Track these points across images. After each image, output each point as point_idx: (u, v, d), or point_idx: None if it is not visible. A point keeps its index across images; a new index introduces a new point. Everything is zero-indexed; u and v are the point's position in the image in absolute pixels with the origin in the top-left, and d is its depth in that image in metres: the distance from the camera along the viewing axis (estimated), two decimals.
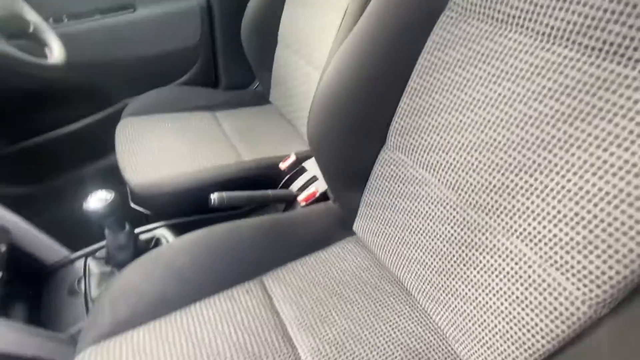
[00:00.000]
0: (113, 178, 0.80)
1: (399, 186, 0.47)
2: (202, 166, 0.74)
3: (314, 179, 0.71)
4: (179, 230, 0.73)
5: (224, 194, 0.61)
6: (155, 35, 1.03)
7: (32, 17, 0.63)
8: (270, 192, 0.67)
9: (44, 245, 0.60)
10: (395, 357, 0.43)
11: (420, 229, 0.45)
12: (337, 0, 0.75)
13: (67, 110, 0.91)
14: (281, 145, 0.86)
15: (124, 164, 0.74)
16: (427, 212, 0.43)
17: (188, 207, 0.70)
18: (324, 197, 0.68)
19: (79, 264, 0.62)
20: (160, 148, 0.79)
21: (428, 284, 0.46)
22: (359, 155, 0.50)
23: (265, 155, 0.80)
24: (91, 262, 0.62)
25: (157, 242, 0.67)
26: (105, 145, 0.79)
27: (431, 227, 0.43)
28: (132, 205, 0.73)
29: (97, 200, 0.53)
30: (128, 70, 1.00)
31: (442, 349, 0.44)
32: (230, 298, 0.48)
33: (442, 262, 0.43)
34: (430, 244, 0.44)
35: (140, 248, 0.61)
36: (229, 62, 1.16)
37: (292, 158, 0.75)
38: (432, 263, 0.44)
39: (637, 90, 0.25)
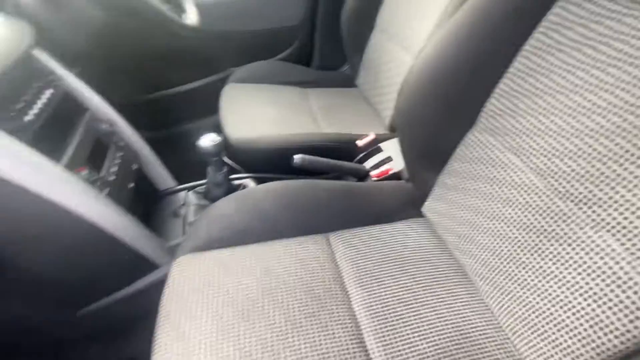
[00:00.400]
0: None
1: (481, 169, 0.46)
2: (289, 132, 0.81)
3: (388, 159, 0.73)
4: (262, 183, 0.82)
5: (306, 156, 0.67)
6: (264, 13, 1.14)
7: None
8: (346, 163, 0.72)
9: (160, 175, 0.74)
10: (444, 333, 0.44)
11: (497, 214, 0.44)
12: None
13: (188, 71, 1.08)
14: (361, 125, 0.90)
15: (225, 121, 0.86)
16: (507, 197, 0.43)
17: (273, 165, 0.78)
18: (395, 177, 0.70)
19: (183, 194, 0.75)
20: (256, 112, 0.89)
21: (493, 272, 0.45)
22: (445, 135, 0.51)
23: (345, 131, 0.85)
24: (192, 194, 0.74)
25: (244, 189, 0.78)
26: (213, 105, 0.92)
27: (509, 214, 0.43)
28: (225, 159, 0.85)
29: (209, 140, 0.64)
30: (239, 43, 1.13)
31: (496, 339, 0.44)
32: (300, 244, 0.54)
33: (515, 251, 0.42)
34: (505, 230, 0.43)
35: (232, 189, 0.72)
36: (324, 44, 1.23)
37: (371, 136, 0.78)
38: (502, 250, 0.44)
39: None
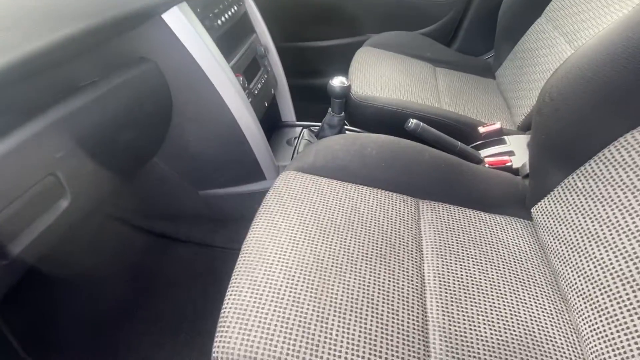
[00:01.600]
0: None
1: (629, 176, 0.40)
2: (409, 99, 0.81)
3: (509, 153, 0.68)
4: None
5: (421, 123, 0.67)
6: None
7: None
8: (459, 144, 0.69)
9: (287, 108, 0.84)
10: (510, 327, 0.42)
11: (627, 230, 0.38)
12: None
13: (333, 29, 1.16)
14: (486, 114, 0.84)
15: (352, 77, 0.90)
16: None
17: (387, 127, 0.80)
18: (511, 171, 0.64)
19: (299, 129, 0.84)
20: (382, 76, 0.91)
21: (596, 288, 0.40)
22: (595, 133, 0.45)
23: (468, 114, 0.80)
24: (306, 131, 0.83)
25: None
26: (347, 63, 0.97)
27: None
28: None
29: (338, 81, 0.69)
30: (384, 10, 1.15)
31: (566, 353, 0.39)
32: (389, 197, 0.56)
33: (629, 273, 0.36)
34: (627, 248, 0.37)
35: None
36: (472, 27, 1.15)
37: (497, 126, 0.73)
38: (616, 269, 0.38)
39: None
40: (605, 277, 0.40)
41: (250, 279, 0.42)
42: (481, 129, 0.74)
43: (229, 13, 0.65)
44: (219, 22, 0.61)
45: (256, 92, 0.70)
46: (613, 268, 0.39)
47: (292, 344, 0.37)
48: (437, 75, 1.01)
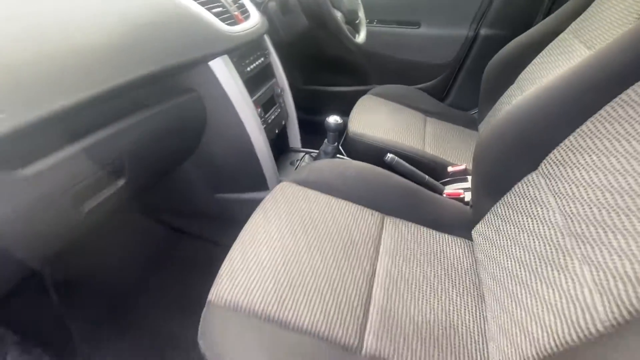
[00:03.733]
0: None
1: (526, 204, 0.54)
2: (396, 140, 0.99)
3: (467, 189, 0.82)
4: None
5: (396, 157, 0.83)
6: (422, 48, 1.34)
7: (361, 14, 1.04)
8: (427, 177, 0.84)
9: (294, 136, 1.04)
10: (435, 314, 0.54)
11: (524, 243, 0.52)
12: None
13: (343, 78, 1.38)
14: (459, 157, 0.99)
15: (351, 118, 1.09)
16: (536, 230, 0.50)
17: (373, 159, 0.97)
18: (463, 202, 0.78)
19: (302, 154, 1.02)
20: (377, 119, 1.09)
21: (500, 289, 0.53)
22: (511, 172, 0.60)
23: (442, 156, 0.96)
24: (307, 156, 1.01)
25: None
26: (351, 106, 1.17)
27: (532, 244, 0.50)
28: (339, 147, 1.08)
29: (333, 119, 0.88)
30: (390, 66, 1.37)
31: (474, 337, 0.51)
32: (361, 211, 0.70)
33: (523, 274, 0.49)
34: (523, 257, 0.51)
35: None
36: (463, 86, 1.35)
37: (462, 167, 0.88)
38: (515, 273, 0.51)
39: None
40: (504, 277, 0.53)
41: (241, 251, 0.57)
42: (450, 169, 0.90)
43: (257, 63, 0.87)
44: (249, 69, 0.82)
45: (269, 121, 0.90)
46: (512, 272, 0.52)
47: (265, 296, 0.51)
48: (427, 123, 1.19)
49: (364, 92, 1.30)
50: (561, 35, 0.96)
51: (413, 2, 1.30)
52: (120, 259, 0.95)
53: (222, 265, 0.56)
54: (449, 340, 0.52)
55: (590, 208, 0.42)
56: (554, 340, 0.38)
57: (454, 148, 1.06)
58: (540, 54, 1.02)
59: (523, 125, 0.57)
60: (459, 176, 0.88)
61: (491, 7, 1.26)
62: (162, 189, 0.93)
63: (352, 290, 0.55)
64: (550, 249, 0.45)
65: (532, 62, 1.04)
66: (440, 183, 0.89)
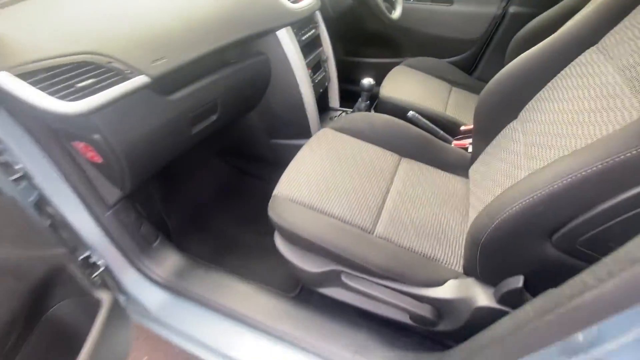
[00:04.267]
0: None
1: (503, 141, 0.73)
2: (420, 103, 1.17)
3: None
4: None
5: (416, 114, 1.03)
6: (454, 23, 1.47)
7: None
8: (441, 132, 1.04)
9: (334, 97, 1.26)
10: (429, 219, 0.76)
11: (498, 168, 0.71)
12: None
13: (379, 50, 1.56)
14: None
15: (384, 84, 1.28)
16: (506, 158, 0.69)
17: (399, 116, 1.16)
18: (467, 152, 0.97)
19: (339, 112, 1.25)
20: (406, 86, 1.28)
21: (480, 203, 0.73)
22: (501, 121, 0.78)
23: (458, 118, 1.14)
24: (343, 114, 1.23)
25: None
26: (385, 75, 1.35)
27: (502, 167, 0.69)
28: (371, 108, 1.29)
29: (367, 80, 1.09)
30: (423, 41, 1.52)
31: (457, 237, 0.73)
32: (384, 152, 0.92)
33: (496, 188, 0.69)
34: (497, 177, 0.71)
35: None
36: (490, 60, 1.47)
37: (471, 126, 1.05)
38: (491, 189, 0.71)
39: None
40: (483, 192, 0.73)
41: (294, 168, 0.82)
42: (462, 128, 1.08)
43: (310, 34, 1.09)
44: (304, 37, 1.05)
45: (316, 81, 1.12)
46: (487, 188, 0.72)
47: (310, 194, 0.75)
48: (452, 92, 1.35)
49: (397, 64, 1.47)
50: None
51: None
52: (199, 187, 1.25)
53: (282, 176, 0.81)
54: (436, 233, 0.74)
55: (542, 137, 0.61)
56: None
57: (472, 114, 1.23)
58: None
59: (509, 86, 0.75)
60: (470, 134, 1.06)
61: None
62: (231, 135, 1.21)
63: (371, 199, 0.78)
64: (512, 168, 0.65)
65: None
66: (454, 139, 1.08)
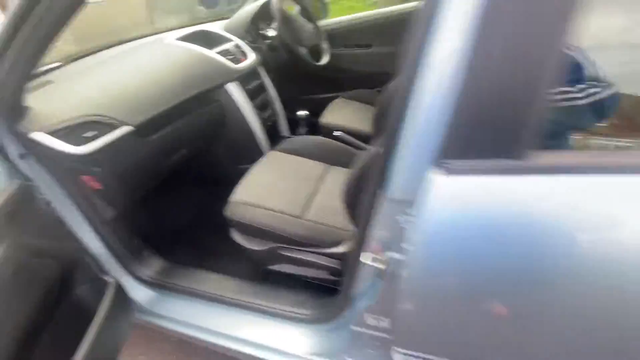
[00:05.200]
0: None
1: None
2: (351, 125, 1.50)
3: None
4: None
5: (343, 133, 1.35)
6: (375, 62, 1.86)
7: (324, 45, 1.59)
8: (363, 144, 1.35)
9: (284, 126, 1.61)
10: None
11: None
12: None
13: (319, 88, 1.93)
14: None
15: (324, 113, 1.62)
16: None
17: (331, 136, 1.49)
18: None
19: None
20: (341, 115, 1.62)
21: None
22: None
23: None
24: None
25: None
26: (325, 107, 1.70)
27: None
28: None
29: (303, 112, 1.42)
30: (354, 77, 1.90)
31: None
32: (315, 163, 1.23)
33: None
34: None
35: None
36: None
37: None
38: None
39: None
40: None
41: (244, 181, 1.11)
42: None
43: (255, 83, 1.45)
44: (250, 87, 1.40)
45: (265, 117, 1.46)
46: None
47: (255, 198, 1.04)
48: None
49: (336, 97, 1.83)
50: None
51: (365, 28, 1.84)
52: (179, 208, 1.52)
53: (236, 187, 1.10)
54: (342, 212, 1.02)
55: None
56: None
57: None
58: None
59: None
60: None
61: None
62: (204, 165, 1.51)
63: (302, 195, 1.07)
64: None
65: None
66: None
